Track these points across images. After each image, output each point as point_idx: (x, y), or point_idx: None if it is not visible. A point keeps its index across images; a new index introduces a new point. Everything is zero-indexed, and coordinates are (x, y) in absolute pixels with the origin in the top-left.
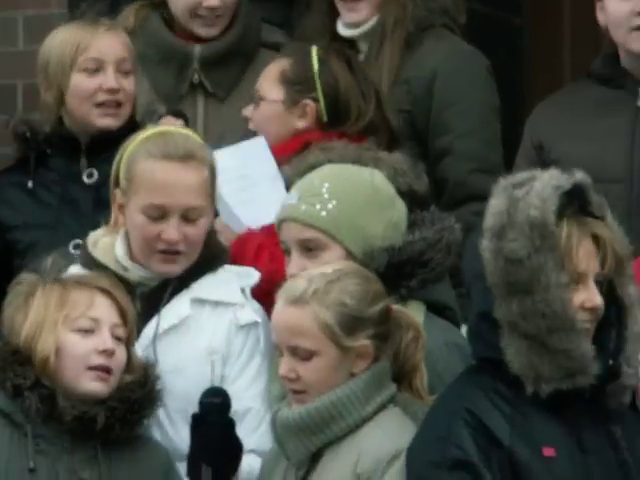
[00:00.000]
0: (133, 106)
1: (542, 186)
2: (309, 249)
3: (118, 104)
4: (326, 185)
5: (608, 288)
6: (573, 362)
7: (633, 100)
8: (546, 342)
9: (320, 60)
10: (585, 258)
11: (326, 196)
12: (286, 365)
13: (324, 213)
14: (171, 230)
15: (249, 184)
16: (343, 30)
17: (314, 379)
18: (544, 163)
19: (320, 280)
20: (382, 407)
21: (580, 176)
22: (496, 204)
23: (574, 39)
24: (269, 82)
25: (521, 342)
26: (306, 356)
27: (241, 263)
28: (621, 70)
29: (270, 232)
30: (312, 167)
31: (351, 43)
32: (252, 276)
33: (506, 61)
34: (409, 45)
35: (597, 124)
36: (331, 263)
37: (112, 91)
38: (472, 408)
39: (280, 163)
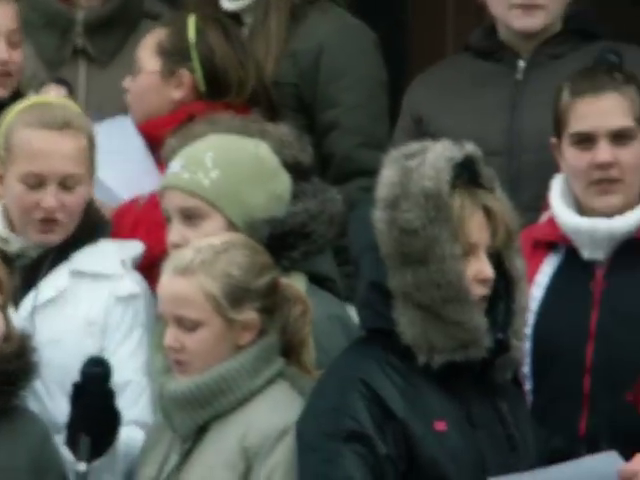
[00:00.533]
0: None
1: (435, 157)
2: (190, 217)
3: (7, 75)
4: (210, 154)
5: (497, 261)
6: (466, 334)
7: (512, 73)
8: (440, 313)
9: (197, 30)
10: (477, 229)
11: (209, 165)
12: (171, 335)
13: (207, 182)
14: (49, 198)
15: (118, 159)
16: (227, 3)
17: (199, 350)
18: (423, 136)
19: (208, 251)
20: (270, 381)
21: (471, 148)
22: (389, 175)
23: (457, 11)
24: (146, 53)
25: (415, 312)
26: (191, 326)
27: (118, 237)
28: (500, 43)
29: (147, 205)
30: (197, 139)
31: (236, 16)
32: (134, 248)
33: (390, 33)
34: (294, 17)
35: (476, 97)
36: (219, 234)
37: (2, 62)
38: (366, 379)
39: (165, 135)
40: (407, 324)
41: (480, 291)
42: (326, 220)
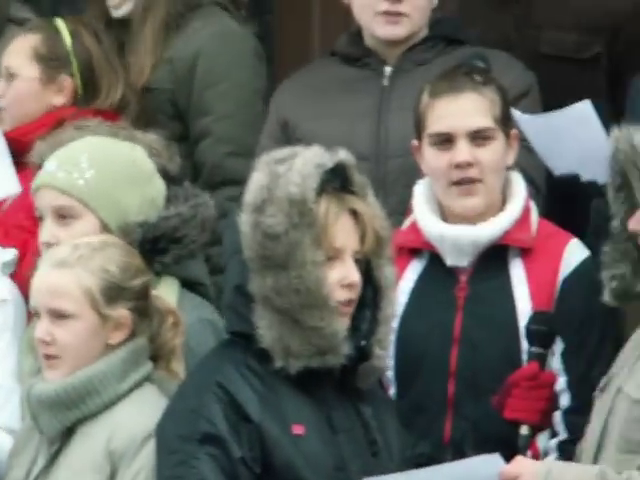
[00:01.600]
0: None
1: (303, 163)
2: (63, 217)
3: None
4: (85, 155)
5: (366, 269)
6: (324, 340)
7: (378, 79)
8: (298, 318)
9: (71, 34)
10: (343, 234)
11: (84, 165)
12: (43, 328)
13: (81, 182)
14: None
15: None
16: (114, 11)
17: (69, 343)
18: (289, 141)
19: (85, 247)
20: (138, 384)
21: (343, 154)
22: (257, 179)
23: (323, 15)
24: (21, 59)
25: (273, 317)
26: (64, 319)
27: None
28: (366, 49)
29: (8, 210)
30: (65, 144)
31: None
32: (5, 254)
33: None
34: (177, 24)
35: (343, 103)
36: (91, 235)
37: None
38: (224, 382)
39: (33, 140)
40: (265, 328)
41: (345, 296)
42: (198, 225)
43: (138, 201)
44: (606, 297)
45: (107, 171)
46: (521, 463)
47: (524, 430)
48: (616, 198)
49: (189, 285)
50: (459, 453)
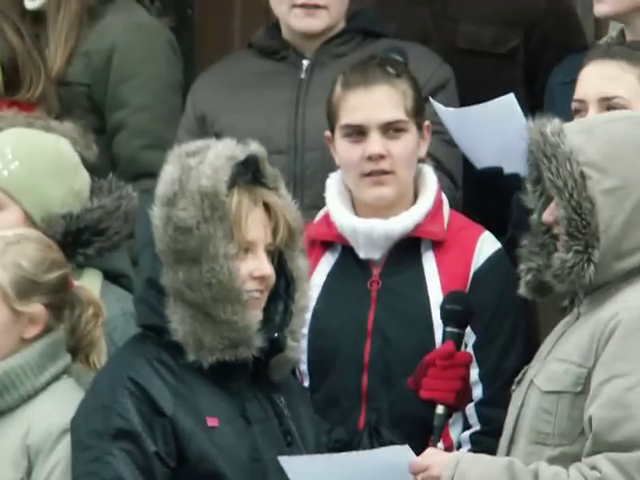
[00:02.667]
0: None
1: (215, 156)
2: None
3: None
4: (10, 146)
5: (279, 260)
6: (236, 333)
7: (296, 73)
8: (210, 312)
9: None
10: (255, 227)
11: (9, 157)
12: None
13: (6, 173)
14: None
15: None
16: (29, 3)
17: None
18: (206, 135)
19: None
20: (55, 378)
21: (255, 147)
22: (169, 171)
23: (244, 8)
24: None
25: (185, 310)
26: None
27: None
28: (284, 43)
29: None
30: None
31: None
32: None
33: (176, 30)
34: (91, 16)
35: (261, 96)
36: (14, 227)
37: None
38: (136, 377)
39: None
40: (178, 322)
41: (257, 288)
42: (121, 217)
43: (62, 193)
44: (522, 290)
45: (32, 163)
46: (431, 455)
47: (440, 410)
48: (533, 192)
49: (112, 277)
50: (375, 433)
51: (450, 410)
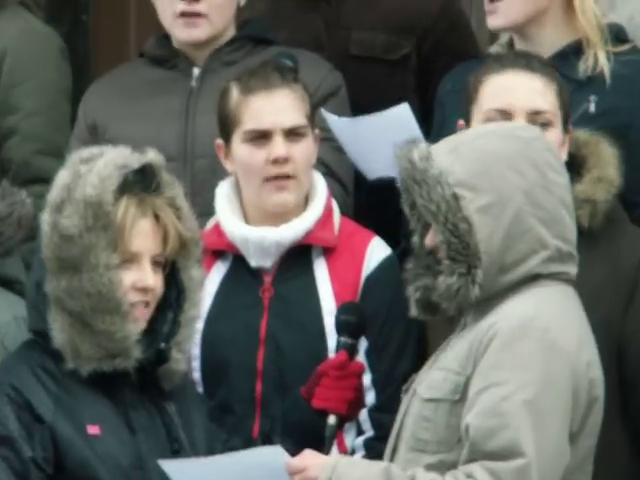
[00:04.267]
0: None
1: (104, 164)
2: None
3: None
4: None
5: (172, 270)
6: (114, 344)
7: (187, 81)
8: (89, 322)
9: None
10: (140, 237)
11: None
12: None
13: None
14: None
15: None
16: None
17: None
18: (98, 144)
19: None
20: None
21: (152, 155)
22: (62, 177)
23: (139, 16)
24: None
25: (65, 318)
26: None
27: None
28: (175, 51)
29: None
30: None
31: None
32: None
33: (71, 36)
34: None
35: (152, 105)
36: None
37: None
38: (17, 384)
39: None
40: (58, 329)
41: (140, 299)
42: (14, 222)
43: None
44: (412, 311)
45: None
46: (307, 456)
47: (331, 420)
48: (411, 215)
49: (5, 283)
50: (268, 441)
51: (342, 420)
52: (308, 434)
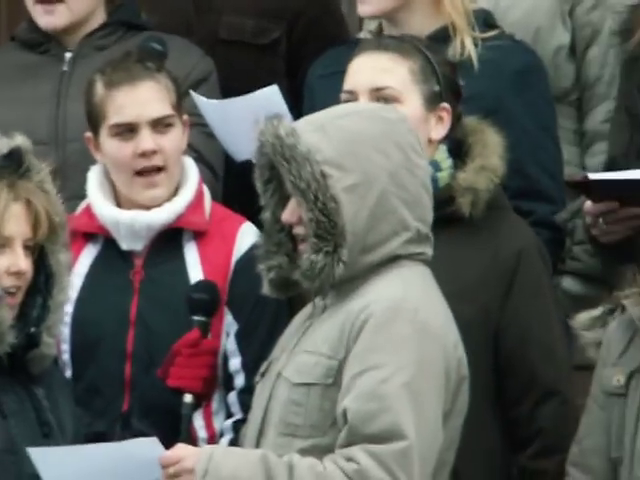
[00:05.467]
0: None
1: None
2: None
3: None
4: None
5: (40, 254)
6: None
7: (59, 65)
8: None
9: None
10: (12, 222)
11: None
12: None
13: None
14: None
15: None
16: None
17: None
18: None
19: None
20: None
21: (19, 139)
22: None
23: (10, 1)
24: None
25: None
26: None
27: None
28: (46, 35)
29: None
30: None
31: None
32: None
33: None
34: None
35: (23, 89)
36: None
37: None
38: None
39: None
40: None
41: (13, 284)
42: None
43: None
44: (266, 289)
45: None
46: (181, 447)
47: (187, 398)
48: (264, 191)
49: None
50: (126, 425)
51: (198, 398)
52: (166, 414)
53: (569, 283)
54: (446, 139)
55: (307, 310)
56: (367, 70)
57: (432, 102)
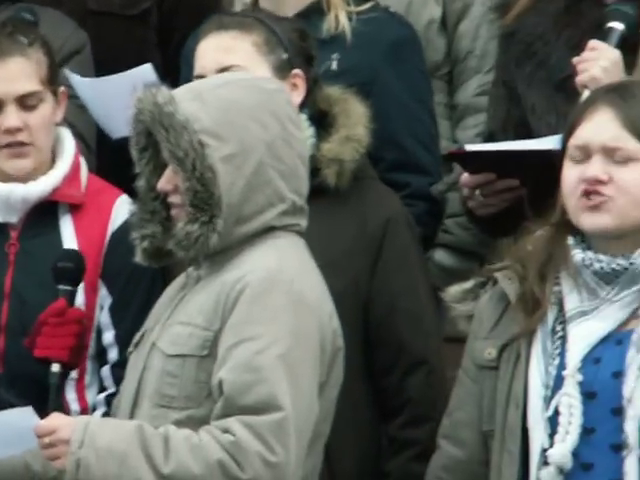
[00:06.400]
0: None
1: None
2: None
3: None
4: None
5: None
6: None
7: None
8: None
9: None
10: None
11: None
12: None
13: None
14: None
15: None
16: None
17: None
18: None
19: None
20: None
21: None
22: None
23: None
24: None
25: None
26: None
27: None
28: None
29: None
30: None
31: None
32: None
33: None
34: None
35: None
36: None
37: None
38: None
39: None
40: None
41: None
42: None
43: None
44: (138, 257)
45: None
46: (56, 417)
47: (55, 368)
48: (140, 158)
49: None
50: None
51: (65, 368)
52: (33, 384)
53: (441, 256)
54: (304, 106)
55: (180, 280)
56: (211, 52)
57: (282, 70)
